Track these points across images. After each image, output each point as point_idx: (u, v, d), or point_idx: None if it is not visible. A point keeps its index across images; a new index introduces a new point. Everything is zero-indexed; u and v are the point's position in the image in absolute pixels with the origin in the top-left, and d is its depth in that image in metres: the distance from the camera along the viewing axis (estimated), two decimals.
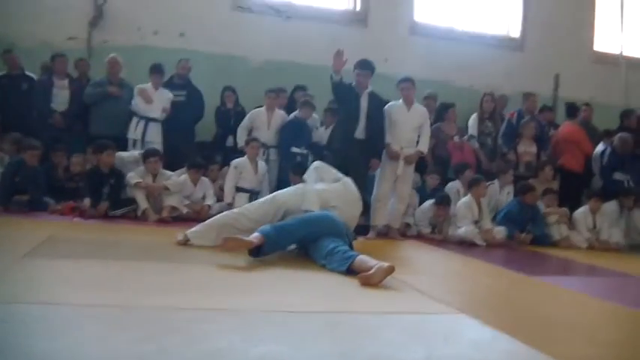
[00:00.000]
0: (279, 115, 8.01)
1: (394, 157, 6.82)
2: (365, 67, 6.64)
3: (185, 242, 4.88)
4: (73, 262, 3.97)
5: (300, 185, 5.18)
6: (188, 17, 8.83)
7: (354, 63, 6.64)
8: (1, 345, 2.25)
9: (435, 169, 7.83)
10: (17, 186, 6.58)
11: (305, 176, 5.32)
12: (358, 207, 5.20)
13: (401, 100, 6.98)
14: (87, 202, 6.48)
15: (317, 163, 5.63)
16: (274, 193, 5.14)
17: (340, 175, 5.34)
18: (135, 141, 7.51)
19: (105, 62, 7.78)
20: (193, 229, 4.96)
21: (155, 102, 7.58)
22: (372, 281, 3.79)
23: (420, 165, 7.42)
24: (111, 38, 8.67)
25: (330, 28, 9.34)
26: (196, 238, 4.87)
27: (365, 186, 6.34)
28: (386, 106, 6.97)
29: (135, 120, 7.59)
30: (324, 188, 5.06)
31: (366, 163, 6.77)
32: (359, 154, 6.61)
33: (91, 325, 2.59)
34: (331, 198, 4.97)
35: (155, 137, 7.55)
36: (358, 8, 9.83)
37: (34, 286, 3.25)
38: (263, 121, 7.89)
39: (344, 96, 6.65)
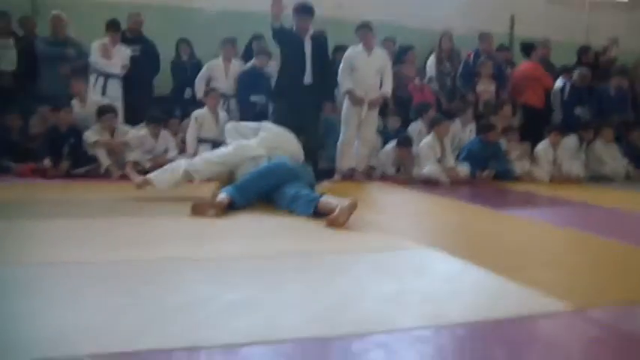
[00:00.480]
0: (237, 65, 7.96)
1: (358, 102, 6.82)
2: (304, 11, 6.37)
3: (144, 184, 4.81)
4: (41, 222, 3.90)
5: (235, 144, 5.08)
6: None
7: (292, 8, 6.41)
8: None
9: (396, 110, 7.85)
10: None
11: (227, 140, 5.27)
12: (294, 140, 5.21)
13: (360, 45, 6.94)
14: (47, 162, 6.37)
15: (230, 124, 5.63)
16: (220, 155, 5.00)
17: (254, 124, 5.39)
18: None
19: (49, 20, 7.50)
20: (154, 173, 4.91)
21: (114, 58, 7.40)
22: (338, 222, 3.82)
23: (382, 108, 7.41)
24: None
25: None
26: (158, 180, 4.80)
27: (319, 130, 6.47)
28: (346, 53, 6.97)
29: (93, 77, 7.42)
30: (256, 140, 5.05)
31: (317, 107, 6.74)
32: (309, 99, 6.44)
33: (64, 282, 2.56)
34: (269, 146, 4.96)
35: (115, 93, 7.41)
36: None
37: (3, 248, 3.19)
38: (221, 72, 7.85)
39: (286, 42, 6.47)
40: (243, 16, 8.72)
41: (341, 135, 6.97)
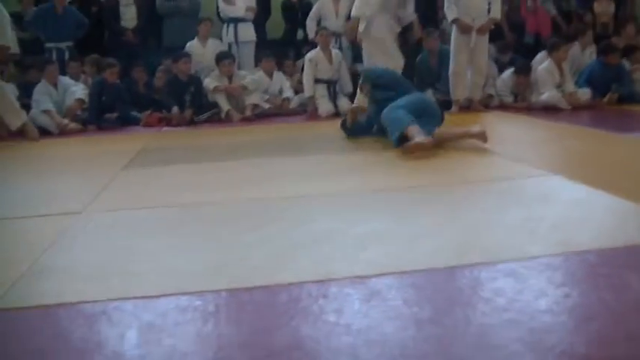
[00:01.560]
0: (347, 2, 7.85)
1: (466, 30, 6.63)
2: None
3: None
4: (169, 168, 4.20)
5: None
6: None
7: None
8: (116, 245, 2.46)
9: (510, 37, 7.57)
10: (104, 105, 6.84)
11: None
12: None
13: None
14: (175, 110, 6.70)
15: None
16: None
17: None
18: (230, 44, 7.59)
19: None
20: None
21: (238, 2, 7.57)
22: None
23: (496, 33, 7.17)
24: None
25: None
26: None
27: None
28: None
29: (225, 24, 7.67)
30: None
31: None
32: None
33: (194, 223, 2.78)
34: None
35: (249, 36, 7.62)
36: None
37: (136, 193, 3.49)
38: (330, 10, 7.78)
39: None
40: None
41: (451, 65, 6.81)
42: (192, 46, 7.42)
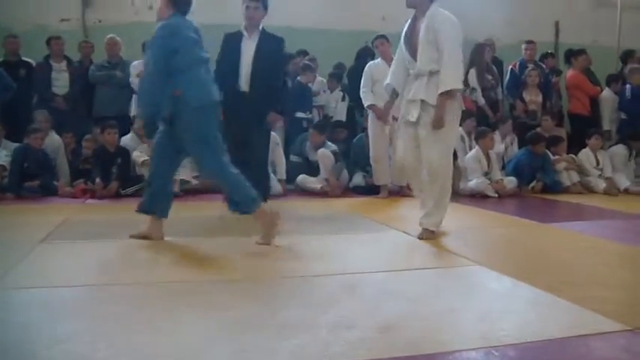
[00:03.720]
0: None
1: (382, 117, 6.48)
2: None
3: None
4: (88, 243, 4.02)
5: None
6: None
7: None
8: (25, 329, 2.28)
9: None
10: (26, 172, 6.60)
11: None
12: None
13: (379, 59, 6.78)
14: (99, 182, 6.51)
15: None
16: None
17: None
18: (134, 117, 7.44)
19: (104, 43, 7.77)
20: None
21: None
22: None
23: None
24: (105, 17, 8.61)
25: None
26: None
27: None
28: (366, 67, 6.80)
29: (135, 97, 7.53)
30: None
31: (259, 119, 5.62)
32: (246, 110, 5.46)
33: (108, 304, 2.63)
34: None
35: None
36: None
37: (52, 270, 3.31)
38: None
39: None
40: (289, 31, 8.81)
41: (370, 151, 6.78)
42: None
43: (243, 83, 5.45)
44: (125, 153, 6.80)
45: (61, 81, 7.69)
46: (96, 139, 7.14)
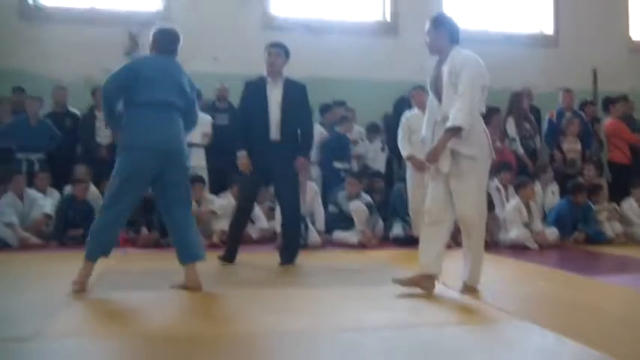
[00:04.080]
0: (317, 131, 7.99)
1: (420, 167, 6.45)
2: (275, 45, 5.60)
3: None
4: (128, 294, 4.07)
5: None
6: (220, 40, 8.96)
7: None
8: None
9: None
10: (70, 221, 6.73)
11: None
12: None
13: (416, 108, 6.79)
14: (144, 231, 6.61)
15: None
16: None
17: None
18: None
19: None
20: None
21: None
22: None
23: None
24: None
25: (361, 41, 9.38)
26: None
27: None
28: (402, 118, 6.83)
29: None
30: None
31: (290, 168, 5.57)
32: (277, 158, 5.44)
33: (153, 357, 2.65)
34: None
35: (199, 162, 7.59)
36: (389, 19, 9.84)
37: (93, 320, 3.37)
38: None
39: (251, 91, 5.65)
40: (326, 82, 8.94)
41: (409, 202, 6.79)
42: None
43: (274, 132, 5.43)
44: None
45: (104, 131, 7.86)
46: None
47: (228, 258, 5.43)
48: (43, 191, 7.15)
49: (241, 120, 5.55)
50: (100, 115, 7.87)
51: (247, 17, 9.20)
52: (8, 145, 7.63)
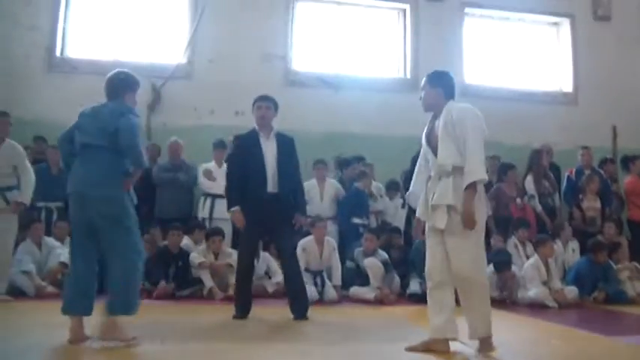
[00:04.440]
0: (331, 185, 8.05)
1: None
2: (265, 99, 5.70)
3: None
4: (140, 347, 3.99)
5: None
6: (242, 95, 9.03)
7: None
8: None
9: (498, 230, 7.67)
10: None
11: None
12: None
13: None
14: (162, 284, 6.63)
15: None
16: None
17: None
18: (204, 219, 7.65)
19: (167, 146, 8.10)
20: None
21: (219, 179, 7.54)
22: None
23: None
24: (169, 120, 8.96)
25: (380, 96, 9.47)
26: None
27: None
28: None
29: (202, 198, 7.79)
30: None
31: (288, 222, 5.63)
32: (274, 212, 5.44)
33: None
34: None
35: (223, 214, 7.57)
36: (409, 76, 9.95)
37: None
38: (316, 193, 7.87)
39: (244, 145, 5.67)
40: (346, 137, 9.01)
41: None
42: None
43: (271, 185, 5.45)
44: (186, 255, 6.92)
45: None
46: (154, 240, 7.27)
47: (239, 315, 5.35)
48: (61, 240, 7.17)
49: (236, 174, 5.56)
50: None
51: (269, 73, 9.34)
52: None
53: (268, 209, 5.36)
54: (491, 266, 7.00)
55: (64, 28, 9.41)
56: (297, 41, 9.84)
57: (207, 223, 7.57)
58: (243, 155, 5.56)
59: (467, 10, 10.40)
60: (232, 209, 5.47)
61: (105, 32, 9.56)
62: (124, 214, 4.07)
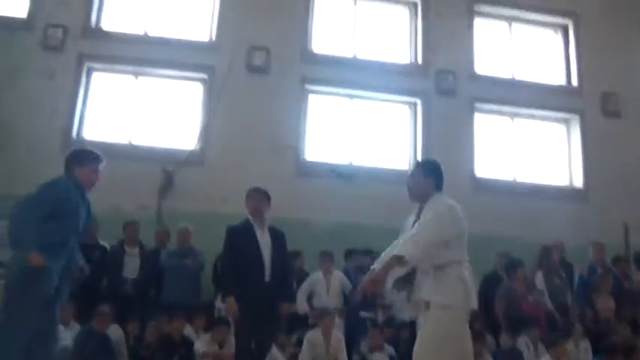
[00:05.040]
0: (338, 278, 7.95)
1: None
2: (257, 190, 5.92)
3: None
4: None
5: None
6: (254, 183, 9.06)
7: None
8: None
9: (508, 329, 7.48)
10: (86, 355, 6.58)
11: None
12: None
13: None
14: None
15: None
16: None
17: None
18: (220, 308, 7.44)
19: (177, 231, 8.12)
20: None
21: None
22: None
23: (494, 325, 7.17)
24: (180, 205, 9.00)
25: (391, 188, 9.48)
26: None
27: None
28: None
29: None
30: None
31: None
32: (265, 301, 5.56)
33: None
34: None
35: None
36: None
37: None
38: (322, 286, 7.81)
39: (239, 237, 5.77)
40: (354, 228, 8.97)
41: None
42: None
43: (267, 274, 5.57)
44: (189, 344, 6.80)
45: (131, 265, 7.91)
46: (160, 327, 7.16)
47: None
48: (65, 323, 7.06)
49: (232, 265, 5.63)
50: (129, 249, 7.98)
51: (281, 163, 9.45)
52: None
53: (264, 298, 5.47)
54: None
55: (81, 112, 9.64)
56: (309, 132, 10.02)
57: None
58: (238, 245, 5.66)
59: (477, 104, 10.58)
60: (228, 299, 5.52)
61: (120, 116, 9.79)
62: None
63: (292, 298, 6.02)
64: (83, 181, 4.66)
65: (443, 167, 4.22)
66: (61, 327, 6.71)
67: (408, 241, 3.74)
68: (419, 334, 3.78)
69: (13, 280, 4.17)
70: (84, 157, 4.72)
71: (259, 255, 5.57)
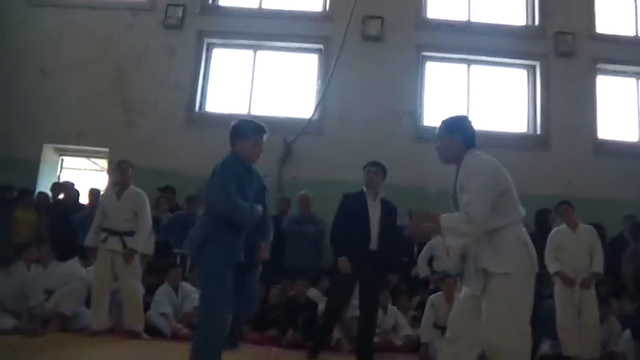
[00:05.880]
0: None
1: (569, 283, 6.55)
2: (374, 164, 6.21)
3: None
4: None
5: None
6: (372, 150, 9.14)
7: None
8: None
9: (637, 295, 7.27)
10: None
11: None
12: None
13: (564, 225, 6.79)
14: (290, 333, 6.74)
15: None
16: None
17: None
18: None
19: (296, 199, 8.37)
20: None
21: None
22: None
23: (620, 289, 6.99)
24: (299, 174, 9.29)
25: (509, 153, 9.31)
26: None
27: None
28: (550, 234, 6.82)
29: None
30: None
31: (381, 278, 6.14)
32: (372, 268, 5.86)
33: None
34: None
35: None
36: (539, 132, 9.81)
37: None
38: (442, 250, 7.77)
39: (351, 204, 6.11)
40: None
41: (557, 319, 6.57)
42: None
43: (373, 243, 5.90)
44: (313, 306, 7.03)
45: None
46: (284, 291, 7.45)
47: (312, 355, 5.97)
48: (196, 286, 7.49)
49: (341, 228, 6.01)
50: None
51: (399, 129, 9.54)
52: (167, 240, 8.16)
53: (368, 264, 5.79)
54: (627, 332, 6.67)
55: (202, 86, 10.07)
56: (426, 98, 10.01)
57: None
58: (350, 213, 6.03)
59: (599, 65, 10.17)
60: (341, 259, 5.88)
61: (240, 89, 10.15)
62: None
63: (397, 270, 6.24)
64: (244, 156, 4.25)
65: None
66: (192, 289, 7.11)
67: (454, 216, 3.48)
68: (483, 306, 3.44)
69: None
70: (243, 129, 4.26)
71: (367, 224, 5.91)
